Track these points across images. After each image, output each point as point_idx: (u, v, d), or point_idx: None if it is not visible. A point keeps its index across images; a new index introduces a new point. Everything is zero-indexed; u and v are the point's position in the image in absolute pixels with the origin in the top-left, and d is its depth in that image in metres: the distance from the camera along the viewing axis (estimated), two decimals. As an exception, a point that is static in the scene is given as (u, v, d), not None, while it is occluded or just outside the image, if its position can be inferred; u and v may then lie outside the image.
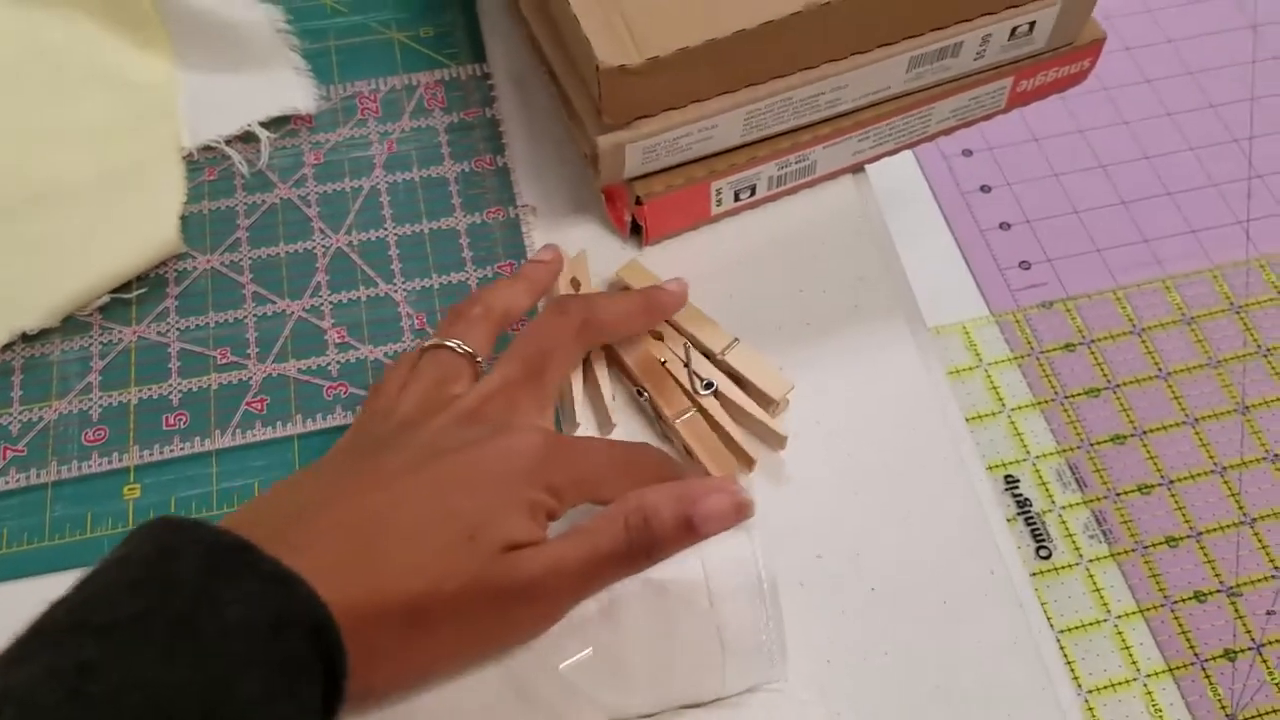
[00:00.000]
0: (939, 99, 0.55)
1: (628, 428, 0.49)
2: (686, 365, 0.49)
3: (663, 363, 0.49)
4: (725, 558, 0.39)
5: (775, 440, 0.48)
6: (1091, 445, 0.64)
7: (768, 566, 0.39)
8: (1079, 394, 0.67)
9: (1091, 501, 0.58)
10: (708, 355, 0.50)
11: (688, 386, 0.49)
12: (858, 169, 0.57)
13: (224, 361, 0.50)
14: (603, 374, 0.49)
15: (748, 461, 0.47)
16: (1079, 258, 0.78)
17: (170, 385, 0.50)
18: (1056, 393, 0.66)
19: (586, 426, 0.49)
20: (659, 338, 0.50)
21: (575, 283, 0.52)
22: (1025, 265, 0.77)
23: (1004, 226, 0.79)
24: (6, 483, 0.47)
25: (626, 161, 0.50)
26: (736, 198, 0.54)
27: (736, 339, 0.50)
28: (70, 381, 0.49)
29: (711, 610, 0.38)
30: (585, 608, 0.38)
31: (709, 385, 0.49)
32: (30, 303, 0.50)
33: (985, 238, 0.78)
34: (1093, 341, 0.70)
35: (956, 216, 0.67)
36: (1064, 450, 0.62)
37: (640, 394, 0.49)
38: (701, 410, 0.48)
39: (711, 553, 0.40)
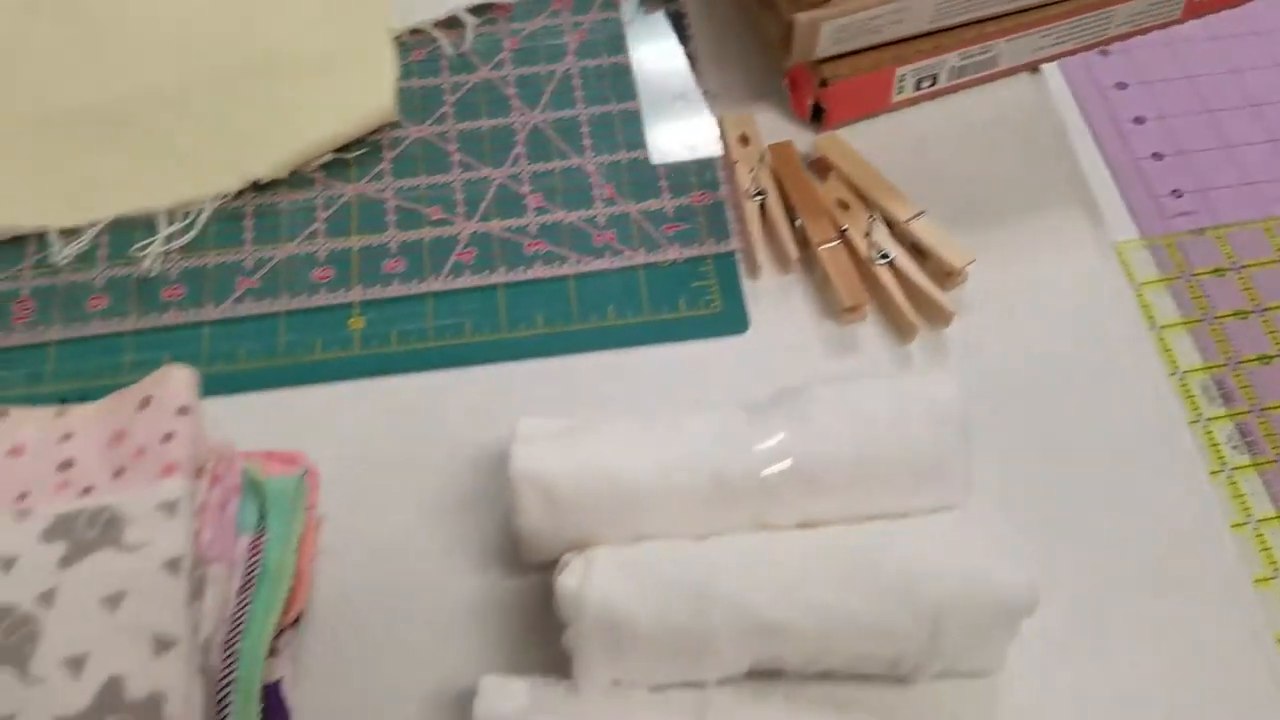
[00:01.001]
0: (1120, 1, 0.57)
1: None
2: (867, 234, 0.52)
3: (843, 231, 0.52)
4: (921, 387, 0.42)
5: (942, 316, 0.51)
6: (1238, 364, 0.65)
7: (959, 400, 0.42)
8: (1227, 315, 0.68)
9: (1236, 415, 0.60)
10: (892, 224, 0.53)
11: (866, 256, 0.51)
12: (1035, 68, 0.59)
13: (435, 218, 0.55)
14: (780, 216, 0.53)
15: (909, 329, 0.50)
16: (1229, 189, 0.79)
17: (388, 235, 0.54)
18: (1205, 313, 0.67)
19: (766, 269, 0.52)
20: (845, 206, 0.53)
21: (744, 139, 0.55)
22: (1177, 194, 0.78)
23: (1156, 157, 0.80)
24: (244, 309, 0.52)
25: (819, 40, 0.53)
26: (917, 86, 0.56)
27: (923, 211, 0.52)
28: (297, 228, 0.54)
29: (902, 430, 0.41)
30: (783, 423, 0.41)
31: (884, 256, 0.51)
32: (262, 155, 0.55)
33: (1138, 166, 0.79)
34: (1242, 267, 0.71)
35: (1110, 144, 0.69)
36: (1210, 367, 0.64)
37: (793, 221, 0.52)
38: (875, 282, 0.51)
39: (909, 382, 0.42)
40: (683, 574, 0.38)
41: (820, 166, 0.55)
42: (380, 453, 0.48)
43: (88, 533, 0.35)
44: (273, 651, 0.40)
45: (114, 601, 0.34)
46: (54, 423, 0.39)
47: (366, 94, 0.57)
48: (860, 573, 0.38)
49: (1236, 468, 0.52)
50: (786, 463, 0.41)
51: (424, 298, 0.52)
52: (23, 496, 0.36)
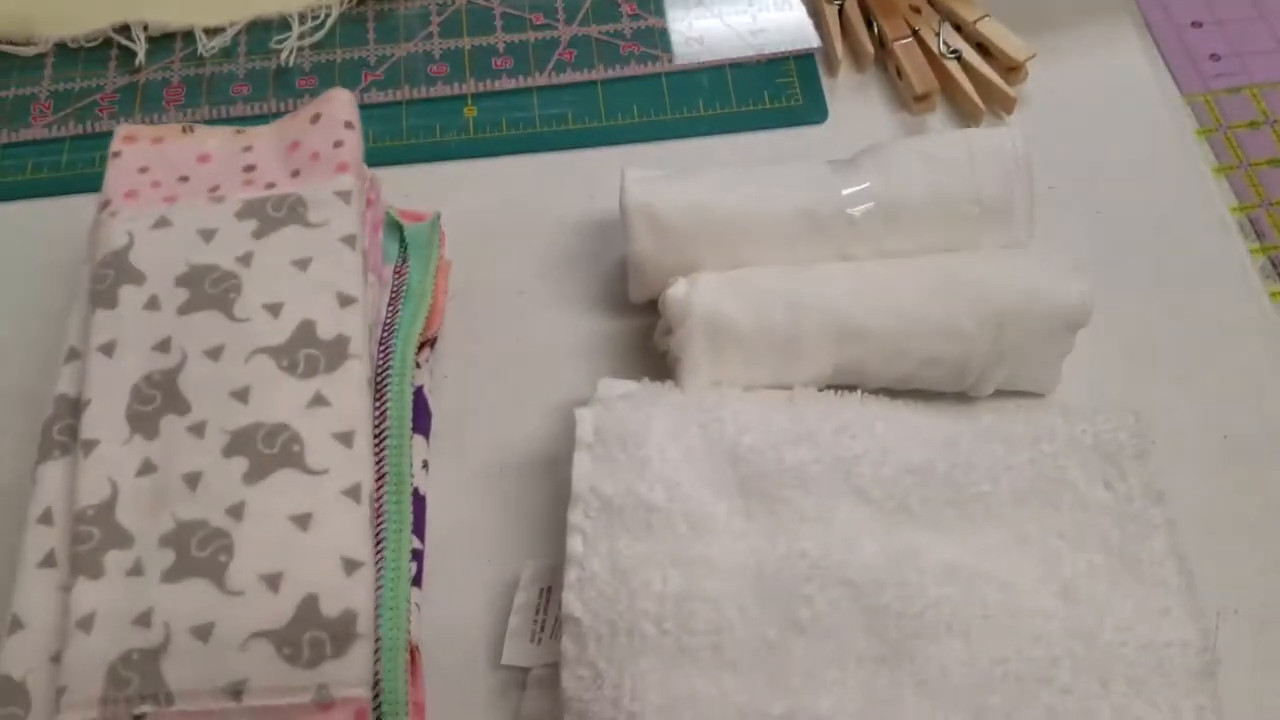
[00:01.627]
0: None
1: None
2: (937, 33, 0.57)
3: (915, 30, 0.57)
4: (986, 135, 0.47)
5: (1006, 104, 0.56)
6: (1270, 205, 0.70)
7: (1023, 146, 0.47)
8: (1261, 163, 0.73)
9: (1269, 249, 0.65)
10: (959, 26, 0.57)
11: (937, 51, 0.56)
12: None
13: (539, 23, 0.60)
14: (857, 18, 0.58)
15: (976, 113, 0.55)
16: (1264, 54, 0.84)
17: (496, 37, 0.59)
18: (1240, 161, 0.72)
19: (844, 68, 0.58)
20: (916, 10, 0.58)
21: None
22: (1215, 58, 0.83)
23: (1196, 25, 0.85)
24: (370, 98, 0.57)
25: None
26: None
27: (987, 14, 0.57)
28: (414, 30, 0.60)
29: (973, 173, 0.46)
30: (866, 170, 0.46)
31: (954, 52, 0.56)
32: (383, -34, 0.60)
33: (1179, 33, 0.83)
34: (1274, 121, 0.76)
35: (1152, 14, 0.73)
36: (1245, 208, 0.69)
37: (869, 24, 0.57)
38: (945, 74, 0.56)
39: (975, 132, 0.48)
40: (778, 285, 0.44)
41: (892, -23, 0.60)
42: (496, 219, 0.54)
43: (275, 213, 0.41)
44: (414, 364, 0.47)
45: (303, 264, 0.40)
46: (234, 138, 0.45)
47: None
48: (934, 283, 0.44)
49: (1272, 294, 0.57)
50: (869, 204, 0.46)
51: (529, 91, 0.58)
52: (215, 189, 0.42)
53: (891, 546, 0.38)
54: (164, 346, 0.38)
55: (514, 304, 0.52)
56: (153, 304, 0.39)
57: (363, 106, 0.56)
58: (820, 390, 0.45)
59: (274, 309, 0.39)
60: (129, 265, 0.40)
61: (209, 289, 0.39)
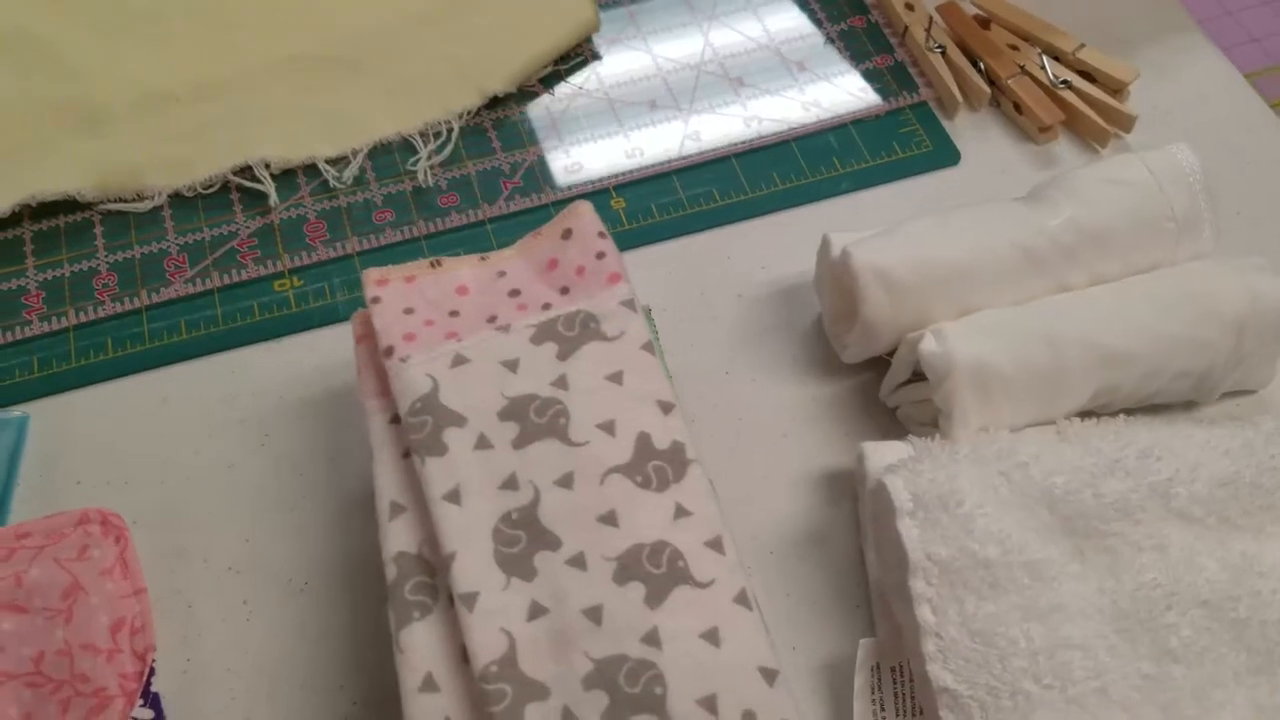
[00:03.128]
0: None
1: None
2: (1041, 66, 0.60)
3: (1021, 68, 0.60)
4: (1158, 155, 0.50)
5: (1124, 123, 0.59)
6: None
7: (1197, 160, 0.50)
8: None
9: None
10: (1058, 57, 0.60)
11: (1046, 83, 0.59)
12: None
13: (655, 109, 0.61)
14: (963, 63, 0.60)
15: (1104, 135, 0.58)
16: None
17: (618, 128, 0.60)
18: None
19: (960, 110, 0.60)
20: (1014, 48, 0.61)
21: (909, 5, 0.62)
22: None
23: (1254, 40, 0.93)
24: (515, 205, 0.57)
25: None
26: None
27: (1083, 43, 0.60)
28: (538, 132, 0.60)
29: (1161, 192, 0.49)
30: (1060, 201, 0.48)
31: (1063, 81, 0.59)
32: (493, 73, 0.60)
33: (1238, 48, 0.91)
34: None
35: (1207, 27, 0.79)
36: None
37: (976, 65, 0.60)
38: (1061, 103, 0.59)
39: (1147, 154, 0.50)
40: (1028, 324, 0.46)
41: (981, 21, 0.63)
42: (675, 303, 0.54)
43: (568, 332, 0.40)
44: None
45: (617, 378, 0.39)
46: (482, 265, 0.44)
47: (571, 10, 0.63)
48: (1168, 299, 0.46)
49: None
50: (1075, 230, 0.48)
51: (668, 175, 0.58)
52: (492, 319, 0.41)
53: (1229, 560, 0.40)
54: (511, 484, 0.37)
55: (724, 384, 0.52)
56: (483, 443, 0.38)
57: (509, 215, 0.57)
58: (1081, 419, 0.46)
59: (608, 427, 0.38)
60: (444, 408, 0.39)
61: (535, 418, 0.38)
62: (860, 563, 0.46)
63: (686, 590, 0.35)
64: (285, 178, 0.58)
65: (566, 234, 0.44)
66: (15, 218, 0.56)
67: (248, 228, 0.56)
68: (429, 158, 0.58)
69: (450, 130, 0.59)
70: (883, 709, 0.41)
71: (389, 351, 0.41)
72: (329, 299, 0.54)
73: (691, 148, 0.59)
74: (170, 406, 0.51)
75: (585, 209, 0.45)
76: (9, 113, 0.58)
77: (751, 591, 0.36)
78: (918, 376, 0.48)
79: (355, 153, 0.58)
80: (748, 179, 0.58)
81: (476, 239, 0.56)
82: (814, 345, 0.53)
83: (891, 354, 0.49)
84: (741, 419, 0.51)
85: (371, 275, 0.43)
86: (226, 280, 0.54)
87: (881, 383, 0.49)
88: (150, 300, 0.53)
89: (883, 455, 0.45)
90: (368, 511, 0.47)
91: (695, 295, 0.54)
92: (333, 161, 0.58)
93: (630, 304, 0.41)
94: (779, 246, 0.56)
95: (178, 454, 0.49)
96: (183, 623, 0.45)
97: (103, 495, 0.48)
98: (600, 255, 0.43)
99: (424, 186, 0.57)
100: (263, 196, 0.57)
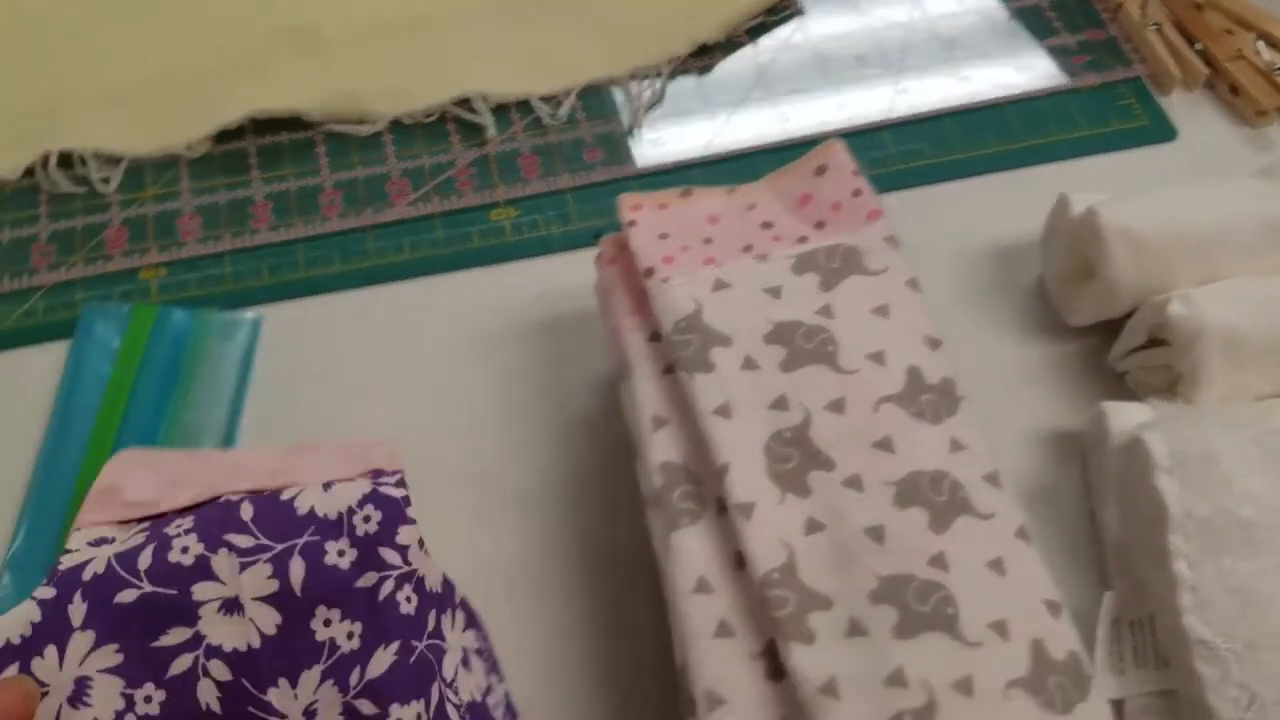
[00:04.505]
0: None
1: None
2: (1257, 53, 0.59)
3: (1238, 51, 0.59)
4: None
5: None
6: None
7: None
8: None
9: None
10: (1273, 44, 0.60)
11: (1264, 67, 0.59)
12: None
13: (868, 68, 0.61)
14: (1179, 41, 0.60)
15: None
16: None
17: (824, 82, 0.60)
18: None
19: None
20: (1229, 32, 0.60)
21: None
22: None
23: None
24: (717, 152, 0.57)
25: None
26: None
27: (1305, 26, 0.59)
28: (744, 85, 0.60)
29: None
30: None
31: (1279, 68, 0.59)
32: (704, 22, 0.61)
33: None
34: None
35: None
36: None
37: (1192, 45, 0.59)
38: (1276, 85, 0.58)
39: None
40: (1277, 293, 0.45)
41: (1194, 4, 0.62)
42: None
43: (830, 264, 0.41)
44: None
45: (883, 312, 0.40)
46: (730, 198, 0.44)
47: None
48: None
49: None
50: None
51: (878, 131, 0.58)
52: (748, 248, 0.42)
53: None
54: (781, 404, 0.38)
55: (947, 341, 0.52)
56: (750, 364, 0.38)
57: (717, 159, 0.57)
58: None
59: (877, 358, 0.38)
60: (709, 328, 0.39)
61: (803, 344, 0.39)
62: (1089, 521, 0.46)
63: (969, 520, 0.35)
64: (499, 112, 0.58)
65: (820, 170, 0.44)
66: (239, 131, 0.57)
67: (465, 158, 0.57)
68: (640, 102, 0.59)
69: (660, 76, 0.60)
70: (1121, 659, 0.40)
71: (649, 272, 0.41)
72: (543, 231, 0.54)
73: (902, 105, 0.59)
74: (395, 321, 0.52)
75: (840, 147, 0.45)
76: (234, 32, 0.60)
77: (1029, 530, 0.36)
78: (1152, 342, 0.47)
79: (567, 92, 0.59)
80: (960, 139, 0.58)
81: (687, 182, 0.56)
82: (1034, 306, 0.52)
83: (1125, 318, 0.48)
84: (961, 378, 0.50)
85: (626, 200, 0.44)
86: (446, 207, 0.55)
87: (1111, 347, 0.49)
88: (374, 220, 0.54)
89: (1127, 416, 0.45)
90: (587, 433, 0.49)
91: (908, 252, 0.54)
92: (548, 99, 0.59)
93: (892, 240, 0.42)
94: (993, 207, 0.55)
95: (401, 366, 0.50)
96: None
97: (329, 400, 0.49)
98: (857, 192, 0.43)
99: (634, 129, 0.58)
100: (479, 128, 0.58)
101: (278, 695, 0.36)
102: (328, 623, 0.36)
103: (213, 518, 0.38)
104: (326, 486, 0.38)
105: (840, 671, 0.33)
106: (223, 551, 0.37)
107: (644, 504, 0.42)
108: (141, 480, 0.42)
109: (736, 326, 0.39)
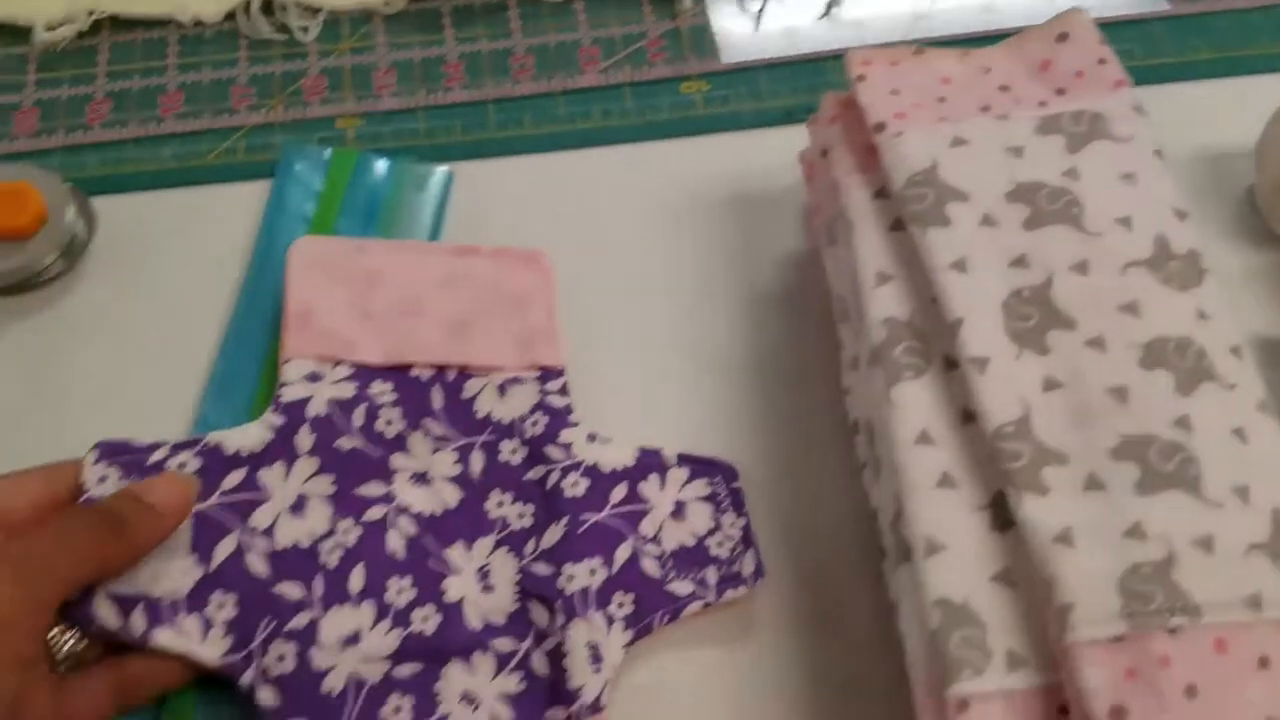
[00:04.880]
0: None
1: None
2: None
3: None
4: None
5: None
6: None
7: None
8: None
9: None
10: None
11: None
12: None
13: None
14: None
15: None
16: None
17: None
18: None
19: None
20: None
21: None
22: None
23: None
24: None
25: None
26: None
27: None
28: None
29: None
30: None
31: None
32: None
33: None
34: None
35: None
36: None
37: None
38: None
39: None
40: None
41: None
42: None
43: (1075, 128, 0.40)
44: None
45: (1130, 179, 0.39)
46: (964, 60, 0.43)
47: None
48: None
49: None
50: None
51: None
52: (985, 109, 0.41)
53: None
54: (1021, 263, 0.37)
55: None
56: (988, 221, 0.38)
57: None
58: None
59: (1125, 222, 0.37)
60: (945, 184, 0.38)
61: (1047, 204, 0.38)
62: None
63: (1213, 386, 0.34)
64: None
65: (1062, 37, 0.43)
66: (434, -9, 0.57)
67: (657, 29, 0.56)
68: (837, -16, 0.58)
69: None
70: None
71: (880, 127, 0.40)
72: (734, 106, 0.54)
73: (1110, 5, 0.57)
74: (581, 187, 0.52)
75: (1083, 15, 0.44)
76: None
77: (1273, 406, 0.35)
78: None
79: (765, -29, 0.58)
80: (1170, 44, 0.56)
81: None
82: (1244, 215, 0.50)
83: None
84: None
85: (855, 55, 0.43)
86: (636, 77, 0.55)
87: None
88: (565, 85, 0.54)
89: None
90: (774, 307, 0.49)
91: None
92: (738, -21, 0.58)
93: (1139, 109, 0.40)
94: (1201, 115, 0.54)
95: (588, 230, 0.50)
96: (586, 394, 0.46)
97: (518, 258, 0.50)
98: (1102, 61, 0.42)
99: (831, 8, 0.57)
100: (671, 1, 0.57)
101: (454, 553, 0.41)
102: (500, 504, 0.42)
103: (411, 400, 0.44)
104: (502, 391, 0.44)
105: (1076, 522, 0.32)
106: (417, 435, 0.43)
107: (846, 369, 0.42)
108: (330, 303, 0.45)
109: (975, 183, 0.38)
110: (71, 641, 0.37)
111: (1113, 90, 0.41)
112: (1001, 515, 0.34)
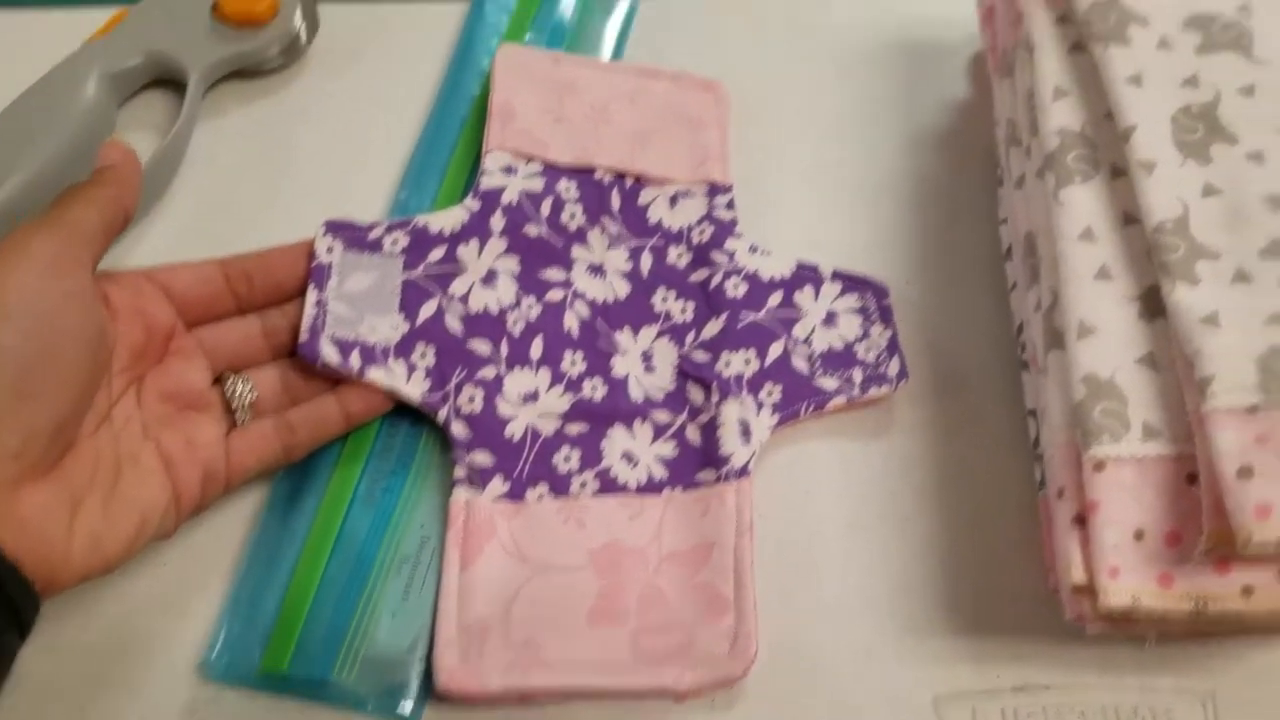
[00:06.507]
0: None
1: None
2: None
3: None
4: None
5: None
6: None
7: None
8: None
9: None
10: None
11: None
12: None
13: None
14: None
15: None
16: None
17: None
18: None
19: None
20: None
21: None
22: None
23: None
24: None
25: None
26: None
27: None
28: None
29: None
30: None
31: None
32: None
33: None
34: None
35: None
36: None
37: None
38: None
39: None
40: None
41: None
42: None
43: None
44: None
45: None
46: None
47: None
48: None
49: None
50: None
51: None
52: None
53: None
54: (1192, 83, 0.39)
55: None
56: (1164, 44, 0.40)
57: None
58: None
59: (1291, 55, 0.40)
60: (1128, 8, 0.41)
61: (1220, 34, 0.40)
62: None
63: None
64: None
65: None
66: None
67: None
68: None
69: None
70: None
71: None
72: None
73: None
74: (761, 25, 0.55)
75: None
76: None
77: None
78: None
79: None
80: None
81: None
82: None
83: None
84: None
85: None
86: (818, -74, 0.57)
87: None
88: (749, -68, 0.57)
89: None
90: (936, 144, 0.51)
91: None
92: None
93: None
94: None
95: (762, 64, 0.54)
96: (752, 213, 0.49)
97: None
98: None
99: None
100: None
101: (623, 337, 0.45)
102: (665, 299, 0.46)
103: (592, 198, 0.48)
104: (673, 202, 0.48)
105: (1222, 308, 0.34)
106: (596, 231, 0.48)
107: (1008, 192, 0.45)
108: (528, 105, 0.50)
109: (1155, 10, 0.41)
110: (247, 389, 0.41)
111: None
112: (1151, 306, 0.37)
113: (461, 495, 0.41)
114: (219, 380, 0.41)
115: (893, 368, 0.44)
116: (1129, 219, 0.38)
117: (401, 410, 0.43)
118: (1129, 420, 0.35)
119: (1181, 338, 0.34)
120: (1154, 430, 0.35)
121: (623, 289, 0.46)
